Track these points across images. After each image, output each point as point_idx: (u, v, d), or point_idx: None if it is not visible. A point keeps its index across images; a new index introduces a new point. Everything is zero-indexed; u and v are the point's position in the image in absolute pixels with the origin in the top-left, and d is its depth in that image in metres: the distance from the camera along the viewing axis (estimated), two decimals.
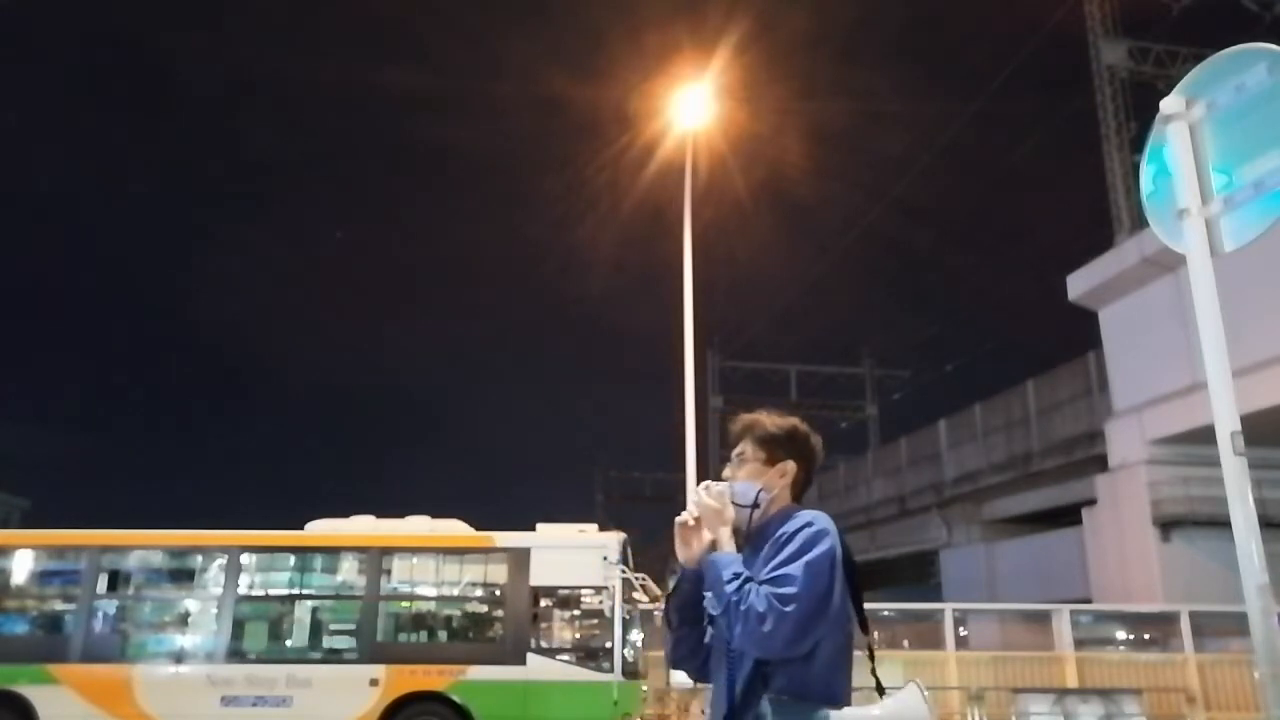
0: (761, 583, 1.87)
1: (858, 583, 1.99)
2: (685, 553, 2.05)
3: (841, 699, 1.94)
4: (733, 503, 2.07)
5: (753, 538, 2.05)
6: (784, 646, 1.85)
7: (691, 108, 15.38)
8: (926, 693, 1.95)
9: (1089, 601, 23.34)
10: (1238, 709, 13.68)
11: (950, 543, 34.44)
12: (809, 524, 1.95)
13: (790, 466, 2.14)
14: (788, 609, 1.82)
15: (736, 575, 1.90)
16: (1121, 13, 27.67)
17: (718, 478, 2.19)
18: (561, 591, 10.35)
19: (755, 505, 2.08)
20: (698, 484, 2.10)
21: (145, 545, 10.81)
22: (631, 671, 10.14)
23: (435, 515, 11.12)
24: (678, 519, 2.07)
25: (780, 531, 1.97)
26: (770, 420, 2.18)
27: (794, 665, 1.90)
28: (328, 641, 10.43)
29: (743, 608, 1.85)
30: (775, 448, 2.15)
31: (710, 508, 2.04)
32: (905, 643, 21.02)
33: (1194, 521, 22.34)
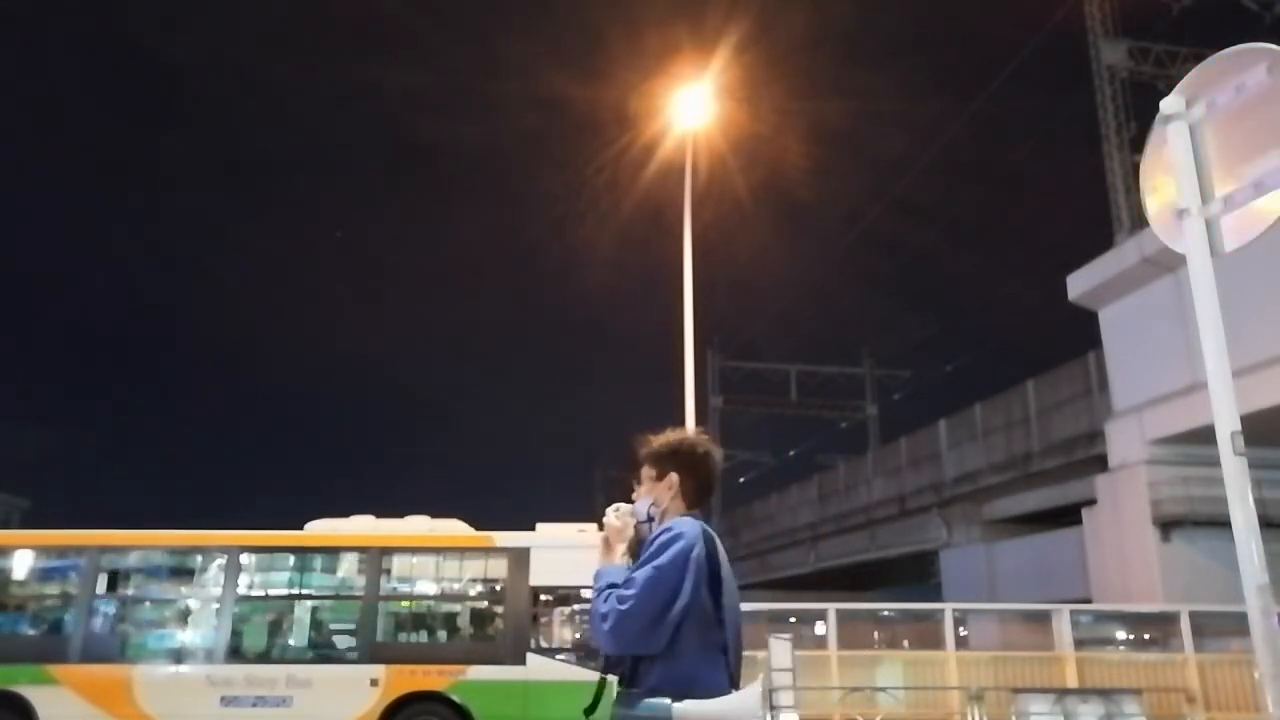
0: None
1: (719, 586, 2.18)
2: (603, 558, 2.28)
3: (703, 694, 2.05)
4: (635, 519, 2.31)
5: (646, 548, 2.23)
6: (619, 643, 2.08)
7: (691, 108, 15.37)
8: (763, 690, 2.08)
9: (1089, 601, 23.34)
10: (1238, 709, 13.68)
11: (950, 543, 34.42)
12: (668, 529, 2.18)
13: (674, 478, 2.34)
14: (623, 607, 2.04)
15: (609, 585, 2.12)
16: (1121, 13, 27.70)
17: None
18: (561, 591, 10.35)
19: (650, 519, 2.31)
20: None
21: (145, 545, 10.80)
22: None
23: (435, 515, 11.12)
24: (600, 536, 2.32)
25: (650, 540, 2.20)
26: (660, 439, 2.40)
27: (660, 662, 2.08)
28: (328, 641, 10.42)
29: (593, 611, 2.11)
30: (662, 463, 2.37)
31: (613, 527, 2.29)
32: (905, 643, 21.05)
33: (1194, 521, 22.32)
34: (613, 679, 2.21)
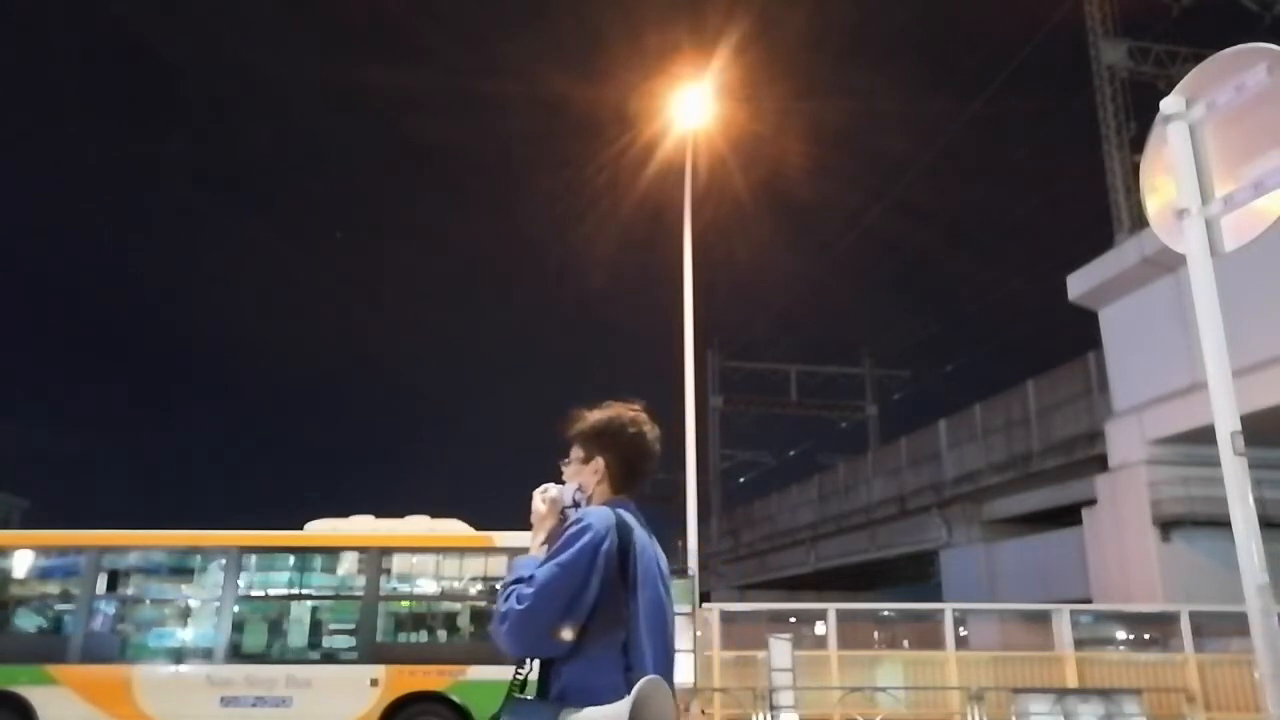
0: None
1: (633, 581, 1.99)
2: (531, 546, 2.14)
3: (607, 698, 1.85)
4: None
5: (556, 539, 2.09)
6: (518, 645, 1.91)
7: (691, 108, 15.37)
8: (664, 690, 1.86)
9: (1089, 601, 23.34)
10: (1238, 709, 13.68)
11: (950, 543, 34.43)
12: (577, 521, 2.00)
13: (600, 463, 2.16)
14: (520, 607, 1.87)
15: (515, 580, 1.96)
16: (1121, 13, 27.71)
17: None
18: None
19: (575, 504, 2.13)
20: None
21: (145, 545, 10.79)
22: None
23: (435, 515, 11.12)
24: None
25: (559, 531, 2.05)
26: (588, 417, 2.21)
27: (567, 666, 1.93)
28: (328, 641, 10.41)
29: (496, 608, 1.95)
30: (590, 445, 2.19)
31: (536, 513, 2.14)
32: (905, 643, 21.03)
33: (1194, 521, 22.34)
34: (532, 677, 2.02)
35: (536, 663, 2.00)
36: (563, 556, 1.93)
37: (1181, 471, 22.65)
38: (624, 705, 1.77)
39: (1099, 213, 26.81)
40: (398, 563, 10.74)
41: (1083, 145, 28.67)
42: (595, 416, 2.21)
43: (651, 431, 2.22)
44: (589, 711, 1.82)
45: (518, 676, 2.00)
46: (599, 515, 2.02)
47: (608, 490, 2.18)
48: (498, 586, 10.26)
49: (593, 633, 1.93)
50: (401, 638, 10.45)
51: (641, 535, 2.07)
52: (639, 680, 1.83)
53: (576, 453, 2.21)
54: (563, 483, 2.22)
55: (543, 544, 2.09)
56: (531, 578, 1.92)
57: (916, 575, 42.08)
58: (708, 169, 17.13)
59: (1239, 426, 2.66)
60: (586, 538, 1.95)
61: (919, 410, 49.03)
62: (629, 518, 2.08)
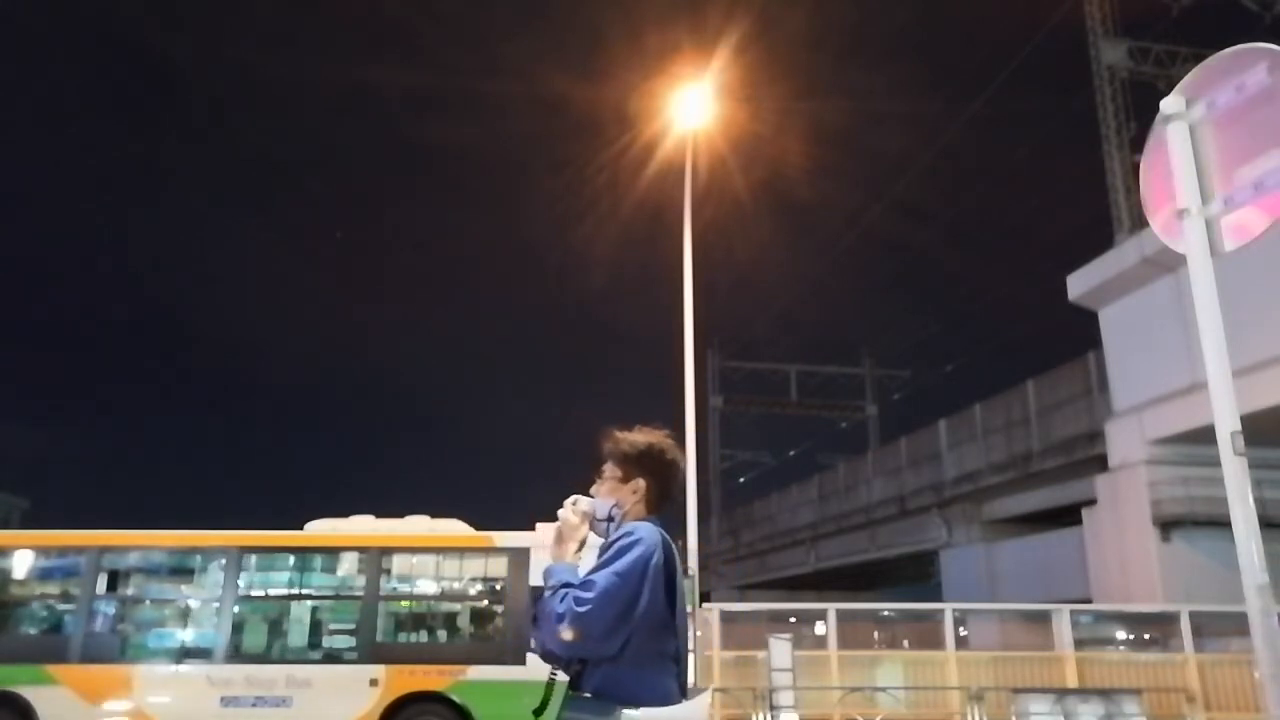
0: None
1: (674, 594, 2.14)
2: (556, 553, 2.26)
3: (650, 701, 2.03)
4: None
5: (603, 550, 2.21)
6: (573, 646, 2.03)
7: (691, 108, 15.37)
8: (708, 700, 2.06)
9: (1089, 601, 23.34)
10: (1238, 709, 13.68)
11: (950, 543, 34.42)
12: (628, 533, 2.15)
13: (641, 484, 2.32)
14: (580, 609, 1.99)
15: (563, 584, 2.08)
16: (1121, 13, 27.71)
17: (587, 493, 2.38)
18: None
19: (610, 519, 2.28)
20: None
21: (145, 545, 10.80)
22: None
23: (435, 515, 11.12)
24: (555, 525, 2.29)
25: (608, 542, 2.17)
26: (628, 439, 2.36)
27: (604, 666, 2.05)
28: (327, 641, 10.41)
29: (547, 610, 2.06)
30: (630, 466, 2.34)
31: (569, 523, 2.25)
32: (905, 643, 21.02)
33: (1194, 521, 22.33)
34: (563, 679, 2.17)
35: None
36: (618, 565, 2.06)
37: (1181, 471, 22.65)
38: (701, 704, 1.92)
39: (1099, 213, 26.84)
40: (398, 563, 10.73)
41: (1083, 145, 28.66)
42: (636, 439, 2.35)
43: (684, 460, 2.40)
44: (669, 710, 2.01)
45: (554, 676, 2.16)
46: (648, 530, 2.16)
47: (642, 509, 2.32)
48: (507, 588, 10.27)
49: (638, 640, 2.05)
50: (401, 638, 10.45)
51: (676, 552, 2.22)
52: (691, 686, 2.03)
53: (613, 470, 2.35)
54: (586, 494, 2.34)
55: (576, 553, 2.21)
56: (587, 583, 2.05)
57: (916, 575, 42.08)
58: (708, 169, 17.13)
59: (1239, 426, 2.66)
60: (640, 550, 2.09)
61: (919, 410, 49.08)
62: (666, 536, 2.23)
